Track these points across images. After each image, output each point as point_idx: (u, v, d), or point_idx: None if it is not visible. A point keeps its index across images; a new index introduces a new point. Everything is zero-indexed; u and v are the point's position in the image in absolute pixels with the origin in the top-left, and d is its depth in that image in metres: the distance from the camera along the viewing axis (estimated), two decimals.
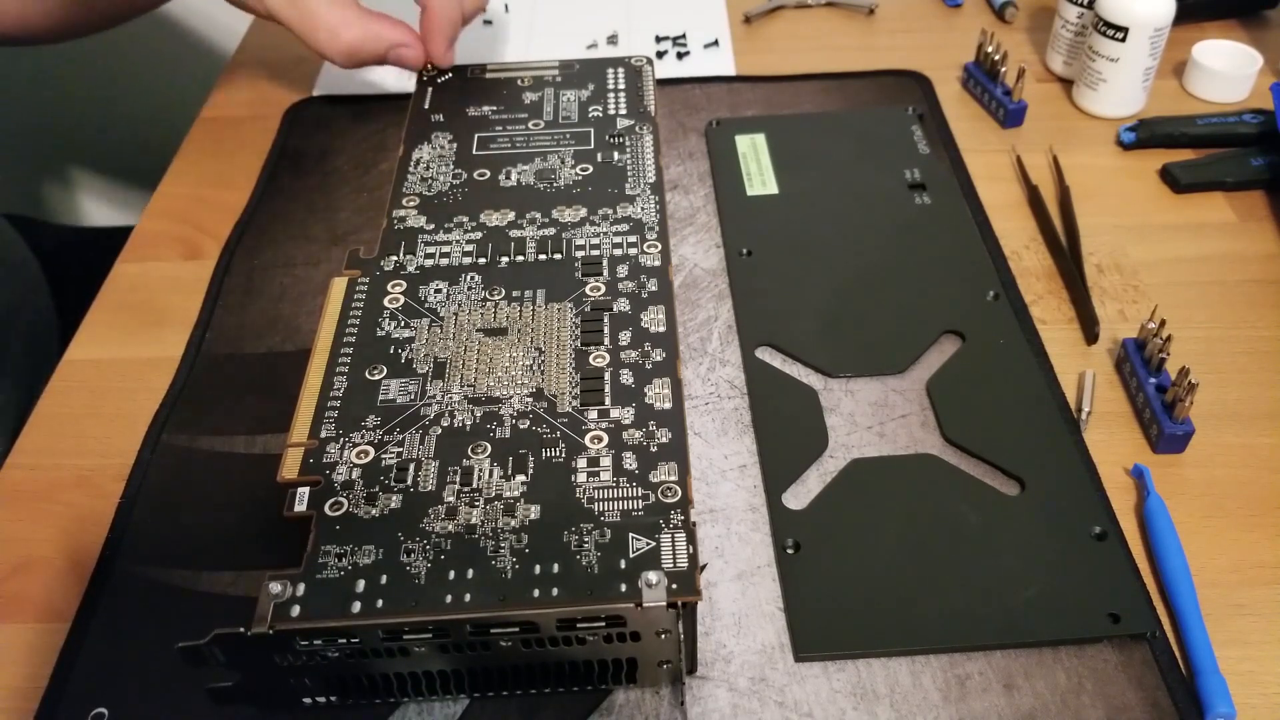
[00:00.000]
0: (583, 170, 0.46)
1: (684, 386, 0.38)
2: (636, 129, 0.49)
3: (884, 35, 0.66)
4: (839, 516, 0.38)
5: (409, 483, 0.33)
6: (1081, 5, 0.58)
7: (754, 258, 0.49)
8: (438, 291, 0.40)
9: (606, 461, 0.34)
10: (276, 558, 0.34)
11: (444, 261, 0.42)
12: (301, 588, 0.30)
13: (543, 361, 0.37)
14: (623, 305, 0.39)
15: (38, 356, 0.58)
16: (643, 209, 0.44)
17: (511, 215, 0.44)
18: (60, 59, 0.96)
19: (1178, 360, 0.41)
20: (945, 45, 0.64)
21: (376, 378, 0.37)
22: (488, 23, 0.69)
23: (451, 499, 0.33)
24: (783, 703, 0.33)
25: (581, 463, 0.34)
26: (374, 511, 0.32)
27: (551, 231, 0.43)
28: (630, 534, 0.31)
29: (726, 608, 0.36)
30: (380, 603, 0.30)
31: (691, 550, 0.31)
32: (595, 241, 0.42)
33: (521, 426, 0.35)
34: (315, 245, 0.51)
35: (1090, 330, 0.45)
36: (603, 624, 0.30)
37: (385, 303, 0.40)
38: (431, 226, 0.44)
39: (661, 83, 0.60)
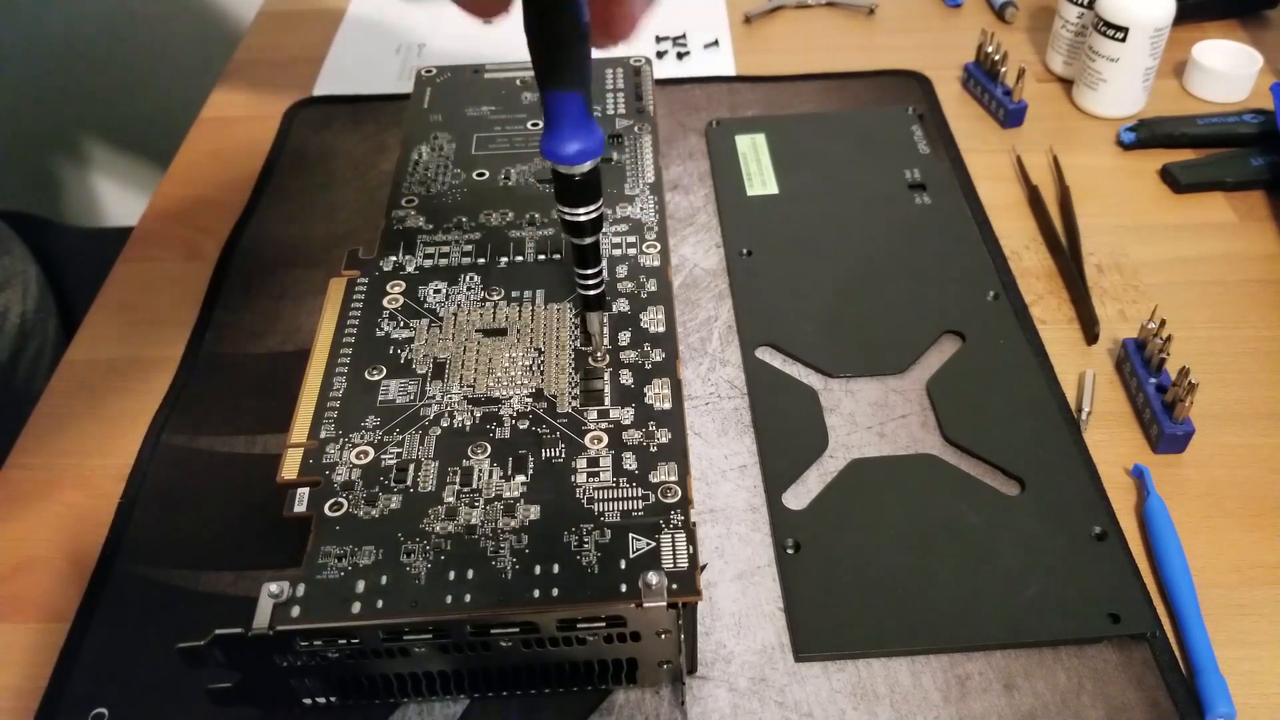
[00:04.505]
0: None
1: (684, 386, 0.38)
2: (635, 129, 0.49)
3: (884, 35, 0.66)
4: (839, 516, 0.38)
5: (409, 483, 0.33)
6: (1081, 5, 0.58)
7: (754, 258, 0.49)
8: (437, 292, 0.40)
9: (606, 462, 0.34)
10: (276, 558, 0.35)
11: (443, 262, 0.42)
12: (301, 588, 0.30)
13: (542, 362, 0.37)
14: (622, 305, 0.39)
15: (38, 357, 0.58)
16: (642, 209, 0.44)
17: (510, 215, 0.44)
18: (61, 61, 0.96)
19: (1178, 360, 0.41)
20: (945, 45, 0.64)
21: (376, 378, 0.37)
22: (487, 22, 0.69)
23: (451, 499, 0.33)
24: (783, 703, 0.33)
25: (581, 463, 0.34)
26: (374, 512, 0.32)
27: (550, 232, 0.43)
28: (630, 534, 0.31)
29: (726, 608, 0.36)
30: (380, 603, 0.30)
31: (691, 550, 0.31)
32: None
33: (521, 427, 0.35)
34: (315, 245, 0.51)
35: (1090, 330, 0.45)
36: (603, 624, 0.30)
37: (384, 303, 0.40)
38: (430, 227, 0.44)
39: (661, 83, 0.60)
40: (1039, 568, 0.36)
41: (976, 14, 0.68)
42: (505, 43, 0.67)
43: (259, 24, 0.70)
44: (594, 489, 0.33)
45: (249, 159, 0.57)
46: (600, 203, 0.35)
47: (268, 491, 0.34)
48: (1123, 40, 0.55)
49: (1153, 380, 0.41)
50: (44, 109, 0.99)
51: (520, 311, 0.39)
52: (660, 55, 0.64)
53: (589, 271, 0.37)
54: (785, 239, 0.50)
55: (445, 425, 0.35)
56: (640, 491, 0.33)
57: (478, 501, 0.33)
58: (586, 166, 0.33)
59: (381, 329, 0.39)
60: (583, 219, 0.35)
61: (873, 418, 0.42)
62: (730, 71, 0.63)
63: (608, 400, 0.36)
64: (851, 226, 0.50)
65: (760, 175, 0.53)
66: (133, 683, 0.34)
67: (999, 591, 0.35)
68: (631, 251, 0.42)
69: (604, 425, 0.35)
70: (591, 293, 0.37)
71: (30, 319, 0.58)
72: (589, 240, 0.36)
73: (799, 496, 0.39)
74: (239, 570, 0.37)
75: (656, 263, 0.41)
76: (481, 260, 0.42)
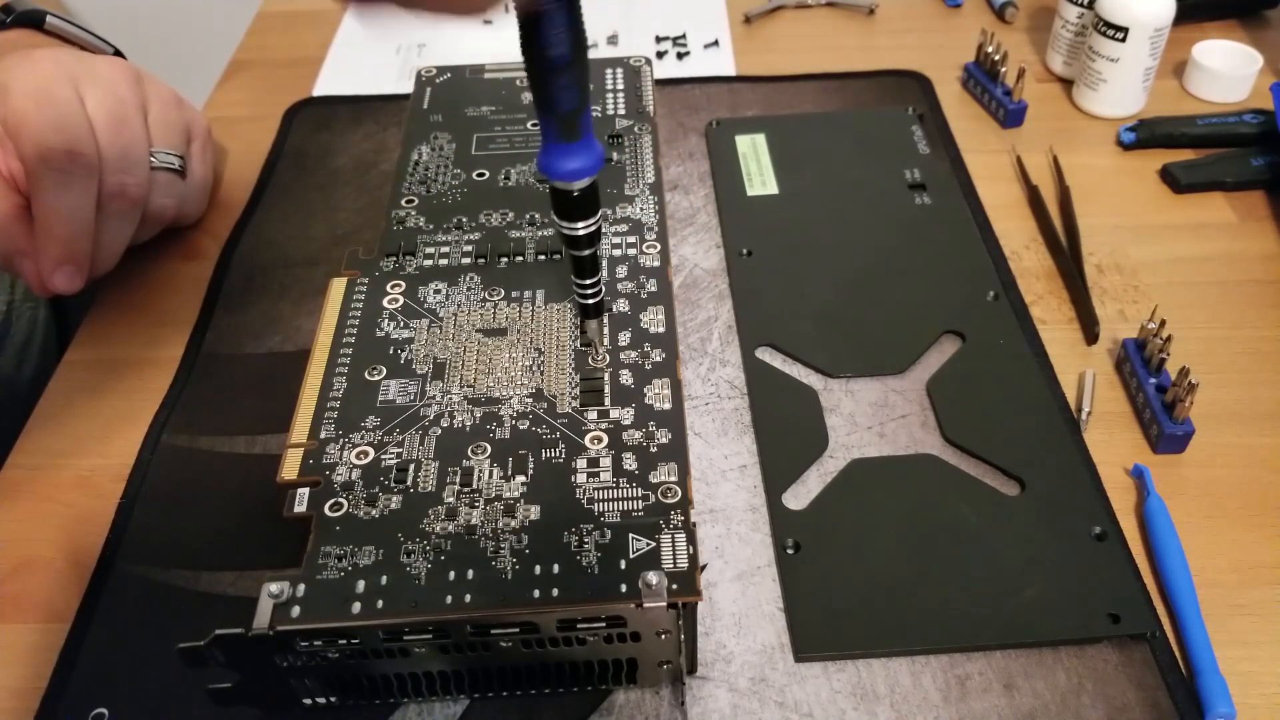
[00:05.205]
0: None
1: (684, 387, 0.38)
2: (635, 129, 0.49)
3: (884, 35, 0.66)
4: (839, 516, 0.38)
5: (409, 483, 0.33)
6: (1081, 5, 0.58)
7: (754, 258, 0.49)
8: (437, 292, 0.40)
9: (606, 462, 0.34)
10: (276, 558, 0.35)
11: (443, 262, 0.42)
12: (301, 588, 0.30)
13: (542, 362, 0.37)
14: (622, 306, 0.39)
15: (26, 345, 0.58)
16: (642, 209, 0.44)
17: (510, 215, 0.44)
18: None
19: (1178, 360, 0.41)
20: (945, 45, 0.64)
21: (376, 378, 0.37)
22: (488, 22, 0.69)
23: (451, 500, 0.33)
24: (783, 703, 0.33)
25: (581, 463, 0.34)
26: (374, 512, 0.32)
27: (550, 232, 0.43)
28: (630, 534, 0.31)
29: (726, 608, 0.36)
30: (380, 603, 0.30)
31: (691, 550, 0.31)
32: None
33: (521, 427, 0.35)
34: (315, 245, 0.51)
35: (1090, 330, 0.45)
36: (603, 624, 0.30)
37: (385, 303, 0.40)
38: (431, 227, 0.44)
39: (661, 83, 0.60)
40: (1039, 568, 0.36)
41: (976, 14, 0.68)
42: (505, 43, 0.66)
43: (259, 24, 0.70)
44: (594, 489, 0.33)
45: (249, 159, 0.57)
46: (598, 216, 0.35)
47: (268, 491, 0.34)
48: (1123, 40, 0.55)
49: (1153, 380, 0.41)
50: None
51: (520, 311, 0.39)
52: (660, 55, 0.64)
53: (587, 282, 0.37)
54: (785, 239, 0.50)
55: (445, 425, 0.35)
56: (640, 492, 0.33)
57: (478, 502, 0.33)
58: (584, 183, 0.33)
59: (381, 329, 0.39)
60: (580, 233, 0.35)
61: (873, 418, 0.42)
62: (730, 71, 0.63)
63: (608, 400, 0.36)
64: (851, 226, 0.50)
65: (760, 175, 0.53)
66: (133, 683, 0.34)
67: (999, 591, 0.35)
68: (631, 252, 0.42)
69: (604, 425, 0.35)
70: (589, 301, 0.37)
71: (18, 307, 0.58)
72: (586, 253, 0.36)
73: (799, 496, 0.39)
74: (239, 570, 0.37)
75: (656, 263, 0.41)
76: (481, 260, 0.42)
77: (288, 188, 0.54)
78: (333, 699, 0.33)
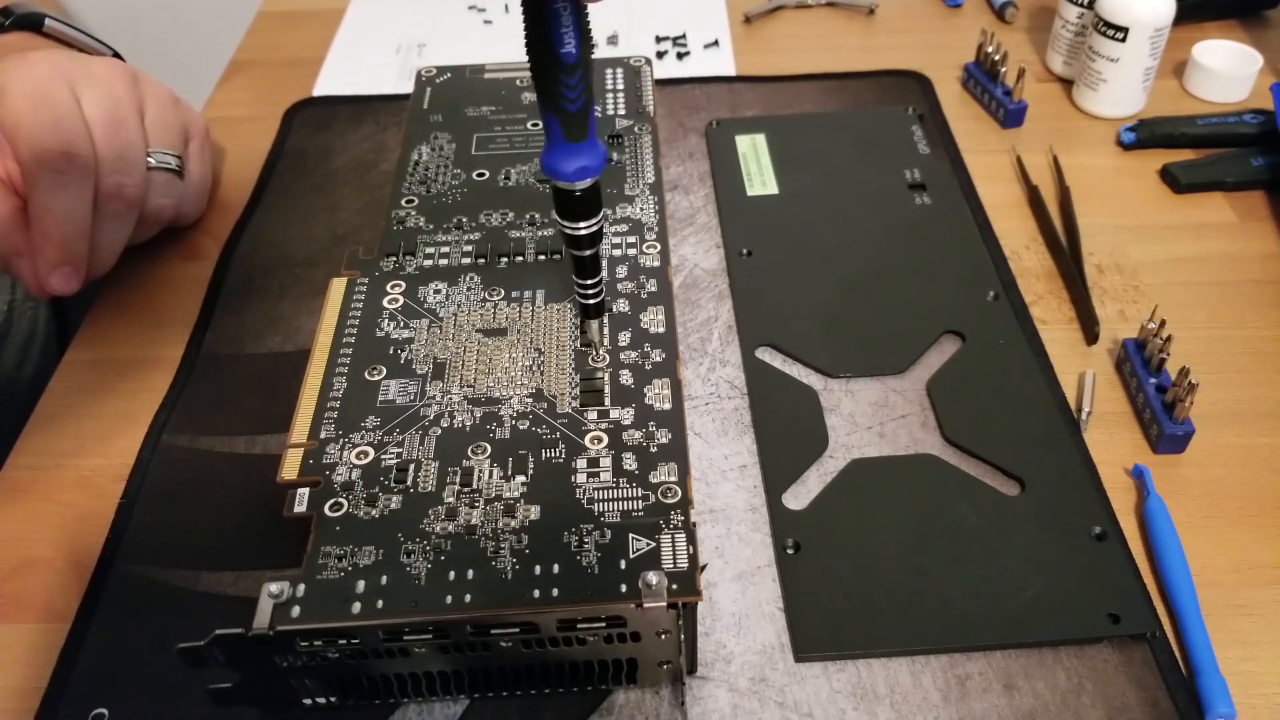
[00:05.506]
0: None
1: (684, 387, 0.38)
2: (635, 129, 0.49)
3: (884, 35, 0.66)
4: (839, 516, 0.38)
5: (409, 483, 0.33)
6: (1081, 5, 0.58)
7: (754, 258, 0.49)
8: (437, 292, 0.40)
9: (606, 462, 0.34)
10: (276, 558, 0.35)
11: (443, 262, 0.42)
12: (301, 588, 0.30)
13: (542, 362, 0.37)
14: (622, 306, 0.39)
15: (27, 345, 0.58)
16: (642, 209, 0.44)
17: (510, 215, 0.44)
18: None
19: (1178, 360, 0.41)
20: (945, 45, 0.64)
21: (376, 378, 0.37)
22: (488, 23, 0.69)
23: (451, 500, 0.33)
24: (783, 703, 0.33)
25: (581, 463, 0.34)
26: (374, 512, 0.32)
27: (550, 232, 0.43)
28: (630, 534, 0.31)
29: (726, 608, 0.36)
30: (380, 603, 0.30)
31: (691, 550, 0.31)
32: None
33: (521, 427, 0.35)
34: (315, 245, 0.51)
35: (1090, 330, 0.45)
36: (603, 624, 0.30)
37: (385, 303, 0.40)
38: (431, 227, 0.44)
39: (661, 83, 0.60)
40: (1039, 568, 0.36)
41: (976, 14, 0.68)
42: (505, 43, 0.67)
43: (259, 24, 0.70)
44: (594, 489, 0.33)
45: (249, 159, 0.57)
46: (600, 216, 0.35)
47: (268, 491, 0.34)
48: (1123, 40, 0.55)
49: (1153, 380, 0.41)
50: None
51: (520, 311, 0.39)
52: (660, 55, 0.64)
53: (588, 282, 0.37)
54: (785, 239, 0.50)
55: (445, 425, 0.35)
56: (640, 492, 0.33)
57: (478, 502, 0.33)
58: (586, 183, 0.33)
59: (381, 329, 0.39)
60: (582, 233, 0.35)
61: (873, 418, 0.42)
62: (730, 71, 0.63)
63: (608, 400, 0.36)
64: (851, 226, 0.50)
65: (760, 175, 0.53)
66: (133, 683, 0.34)
67: (999, 591, 0.35)
68: (631, 252, 0.42)
69: (604, 425, 0.35)
70: (590, 301, 0.37)
71: (18, 307, 0.58)
72: (588, 253, 0.36)
73: (799, 496, 0.39)
74: (239, 570, 0.37)
75: (656, 263, 0.41)
76: (481, 260, 0.42)
77: (288, 188, 0.54)
78: (333, 699, 0.33)
